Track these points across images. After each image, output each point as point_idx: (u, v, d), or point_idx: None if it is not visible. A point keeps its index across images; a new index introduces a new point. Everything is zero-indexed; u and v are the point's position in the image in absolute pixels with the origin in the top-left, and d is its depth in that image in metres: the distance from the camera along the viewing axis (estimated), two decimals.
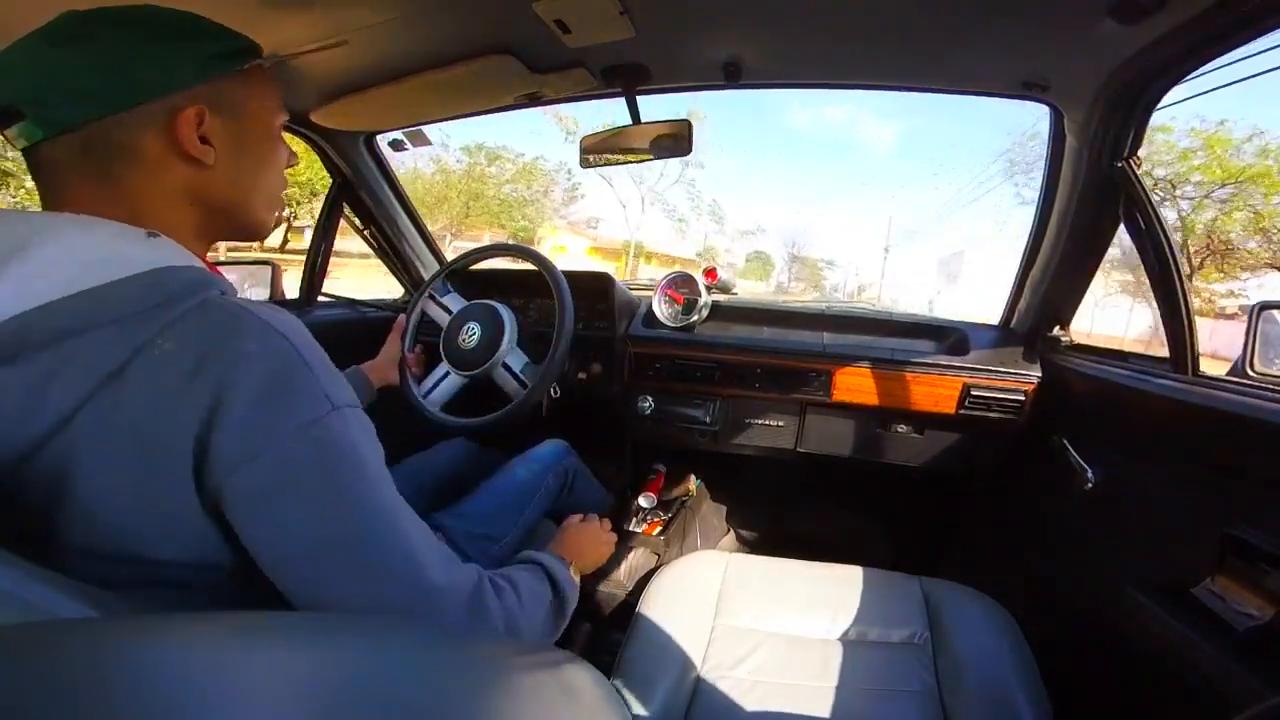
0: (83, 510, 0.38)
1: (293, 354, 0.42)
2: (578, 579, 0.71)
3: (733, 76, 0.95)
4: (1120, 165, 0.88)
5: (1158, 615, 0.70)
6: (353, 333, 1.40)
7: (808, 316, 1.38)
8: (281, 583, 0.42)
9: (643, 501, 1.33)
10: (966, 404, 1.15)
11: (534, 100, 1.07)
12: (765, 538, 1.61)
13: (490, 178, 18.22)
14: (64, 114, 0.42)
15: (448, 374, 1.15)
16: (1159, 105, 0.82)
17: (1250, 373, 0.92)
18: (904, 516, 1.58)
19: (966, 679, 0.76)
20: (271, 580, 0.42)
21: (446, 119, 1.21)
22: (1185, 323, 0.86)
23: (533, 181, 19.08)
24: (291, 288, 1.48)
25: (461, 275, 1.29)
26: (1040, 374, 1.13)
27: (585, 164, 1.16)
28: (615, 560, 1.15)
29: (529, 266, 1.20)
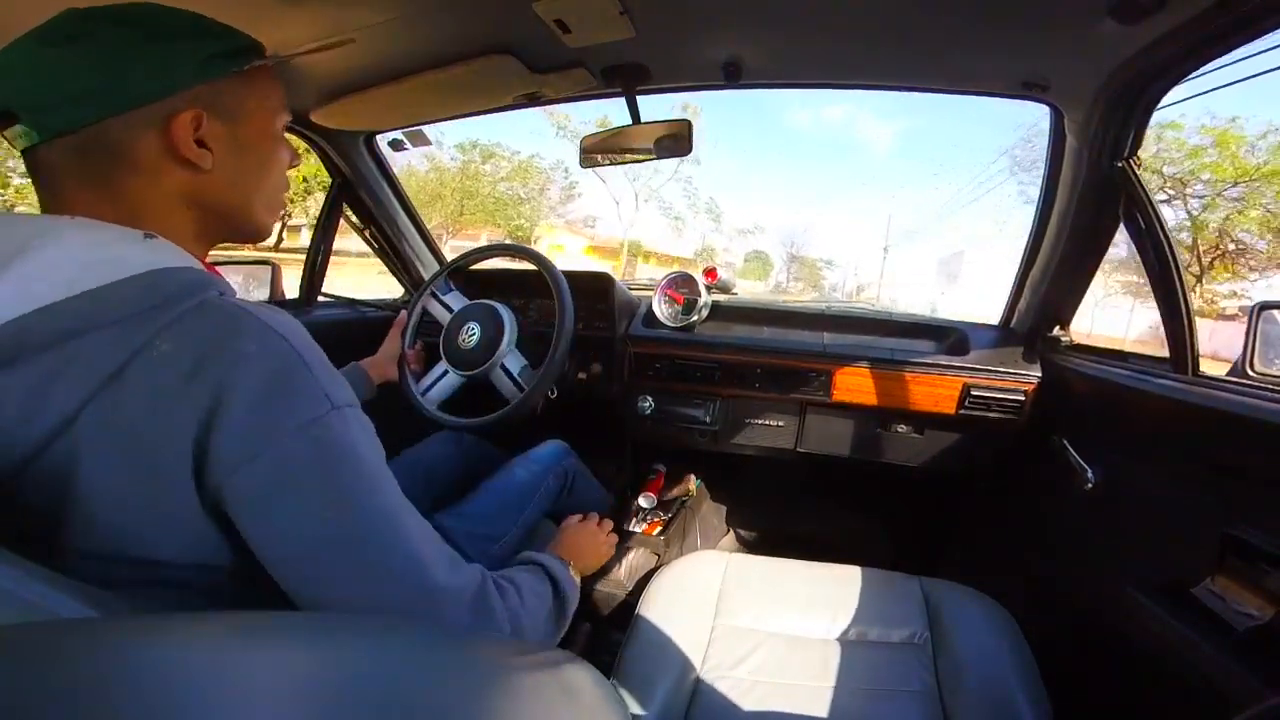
0: (84, 511, 0.38)
1: (292, 354, 0.42)
2: (578, 579, 0.71)
3: (733, 76, 0.95)
4: (1120, 165, 0.88)
5: (1158, 615, 0.70)
6: (352, 332, 1.40)
7: (808, 316, 1.38)
8: (284, 583, 0.42)
9: (643, 501, 1.33)
10: (966, 404, 1.15)
11: (534, 100, 1.07)
12: (765, 538, 1.61)
13: (485, 175, 18.03)
14: (59, 118, 0.41)
15: (446, 372, 1.15)
16: (1159, 105, 0.82)
17: (1250, 373, 0.92)
18: (904, 516, 1.58)
19: (966, 679, 0.76)
20: (276, 580, 0.42)
21: (446, 119, 1.21)
22: (1185, 323, 0.86)
23: (528, 179, 18.90)
24: (289, 288, 1.48)
25: (463, 274, 1.29)
26: (1040, 374, 1.13)
27: (585, 164, 1.16)
28: (615, 560, 1.15)
29: (529, 266, 1.20)
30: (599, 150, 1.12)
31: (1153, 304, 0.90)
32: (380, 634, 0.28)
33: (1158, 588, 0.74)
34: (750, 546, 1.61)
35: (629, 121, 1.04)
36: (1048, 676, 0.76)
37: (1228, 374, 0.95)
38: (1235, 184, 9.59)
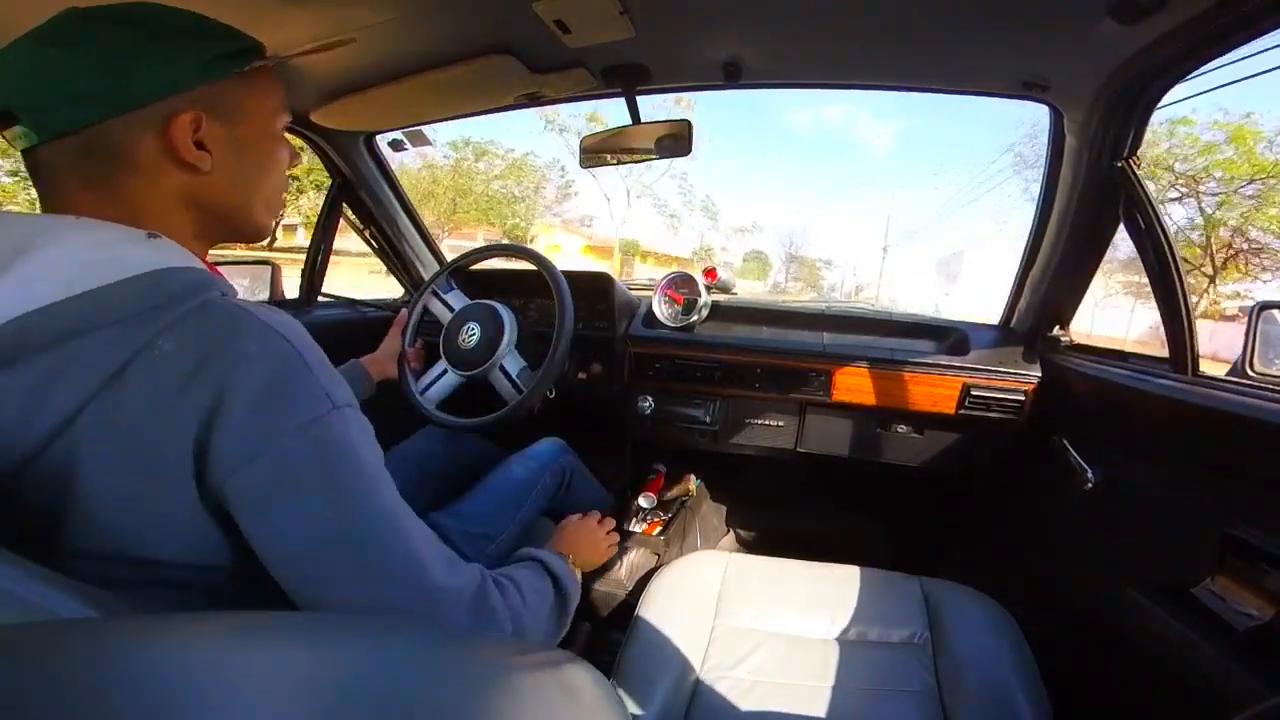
0: (84, 511, 0.38)
1: (293, 354, 0.42)
2: (579, 575, 0.71)
3: (733, 76, 0.95)
4: (1120, 165, 0.88)
5: (1158, 615, 0.70)
6: (352, 332, 1.40)
7: (808, 316, 1.38)
8: (285, 583, 0.42)
9: (643, 501, 1.33)
10: (966, 404, 1.15)
11: (534, 100, 1.07)
12: (765, 538, 1.61)
13: (478, 174, 17.84)
14: (59, 119, 0.41)
15: (445, 372, 1.15)
16: (1159, 105, 0.82)
17: (1250, 373, 0.92)
18: (904, 516, 1.58)
19: (966, 679, 0.76)
20: (276, 580, 0.42)
21: (446, 119, 1.21)
22: (1185, 323, 0.86)
23: (523, 178, 18.74)
24: (286, 287, 1.48)
25: (464, 273, 1.29)
26: (1040, 374, 1.13)
27: (585, 164, 1.16)
28: (615, 560, 1.15)
29: (529, 266, 1.20)
30: (599, 150, 1.12)
31: (1153, 304, 0.90)
32: (380, 634, 0.28)
33: (1158, 588, 0.74)
34: (750, 546, 1.61)
35: (625, 118, 1.04)
36: (1048, 676, 0.76)
37: (1228, 374, 0.95)
38: (1251, 181, 9.31)
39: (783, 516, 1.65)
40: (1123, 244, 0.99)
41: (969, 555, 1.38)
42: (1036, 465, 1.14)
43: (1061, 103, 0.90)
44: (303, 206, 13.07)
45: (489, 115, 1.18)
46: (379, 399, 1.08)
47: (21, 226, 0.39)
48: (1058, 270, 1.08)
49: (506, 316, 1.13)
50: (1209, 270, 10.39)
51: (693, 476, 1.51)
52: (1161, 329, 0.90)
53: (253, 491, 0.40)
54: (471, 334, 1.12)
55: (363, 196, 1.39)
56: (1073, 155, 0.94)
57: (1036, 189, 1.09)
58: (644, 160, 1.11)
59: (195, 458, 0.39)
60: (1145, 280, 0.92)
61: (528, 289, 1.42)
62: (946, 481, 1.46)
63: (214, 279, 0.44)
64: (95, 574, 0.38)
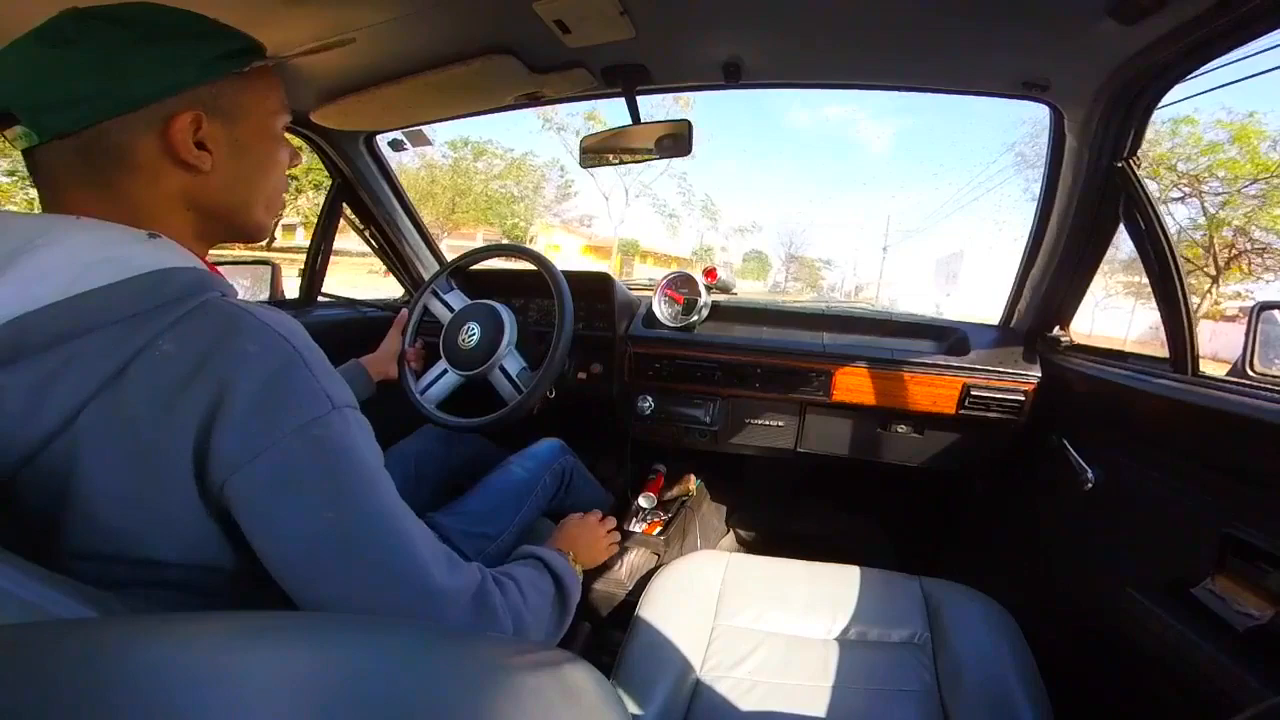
0: (83, 511, 0.38)
1: (292, 354, 0.42)
2: (580, 572, 0.70)
3: (733, 76, 0.95)
4: (1120, 165, 0.88)
5: (1158, 615, 0.70)
6: (352, 332, 1.40)
7: (808, 317, 1.38)
8: (285, 583, 0.42)
9: (643, 501, 1.33)
10: (966, 404, 1.15)
11: (534, 100, 1.07)
12: (765, 538, 1.61)
13: (477, 173, 17.72)
14: (59, 119, 0.41)
15: (445, 372, 1.15)
16: (1159, 105, 0.82)
17: (1250, 373, 0.92)
18: (904, 517, 1.58)
19: (966, 679, 0.76)
20: (278, 581, 0.42)
21: (446, 119, 1.21)
22: (1185, 323, 0.86)
23: (522, 177, 18.62)
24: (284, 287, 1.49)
25: (464, 273, 1.29)
26: (1040, 374, 1.13)
27: (586, 164, 1.16)
28: (615, 560, 1.15)
29: (529, 266, 1.20)
30: (599, 150, 1.12)
31: (1153, 305, 0.90)
32: (380, 634, 0.28)
33: (1158, 588, 0.74)
34: (750, 546, 1.61)
35: (624, 117, 1.04)
36: (1048, 676, 0.76)
37: (1228, 374, 0.95)
38: (1255, 180, 9.14)
39: (783, 516, 1.65)
40: (1123, 244, 0.99)
41: (969, 555, 1.38)
42: (1036, 465, 1.14)
43: (1061, 103, 0.90)
44: (301, 206, 13.02)
45: (487, 115, 1.18)
46: (378, 399, 1.08)
47: (22, 226, 0.39)
48: (1058, 270, 1.08)
49: (506, 316, 1.13)
50: (1212, 270, 10.21)
51: (693, 476, 1.51)
52: (1161, 330, 0.90)
53: (253, 492, 0.40)
54: (471, 334, 1.12)
55: (362, 196, 1.39)
56: (1073, 155, 0.94)
57: (1037, 188, 1.09)
58: (644, 160, 1.11)
59: (195, 457, 0.39)
60: (1144, 280, 0.91)
61: (528, 289, 1.42)
62: (946, 481, 1.46)
63: (214, 279, 0.44)
64: (95, 574, 0.38)
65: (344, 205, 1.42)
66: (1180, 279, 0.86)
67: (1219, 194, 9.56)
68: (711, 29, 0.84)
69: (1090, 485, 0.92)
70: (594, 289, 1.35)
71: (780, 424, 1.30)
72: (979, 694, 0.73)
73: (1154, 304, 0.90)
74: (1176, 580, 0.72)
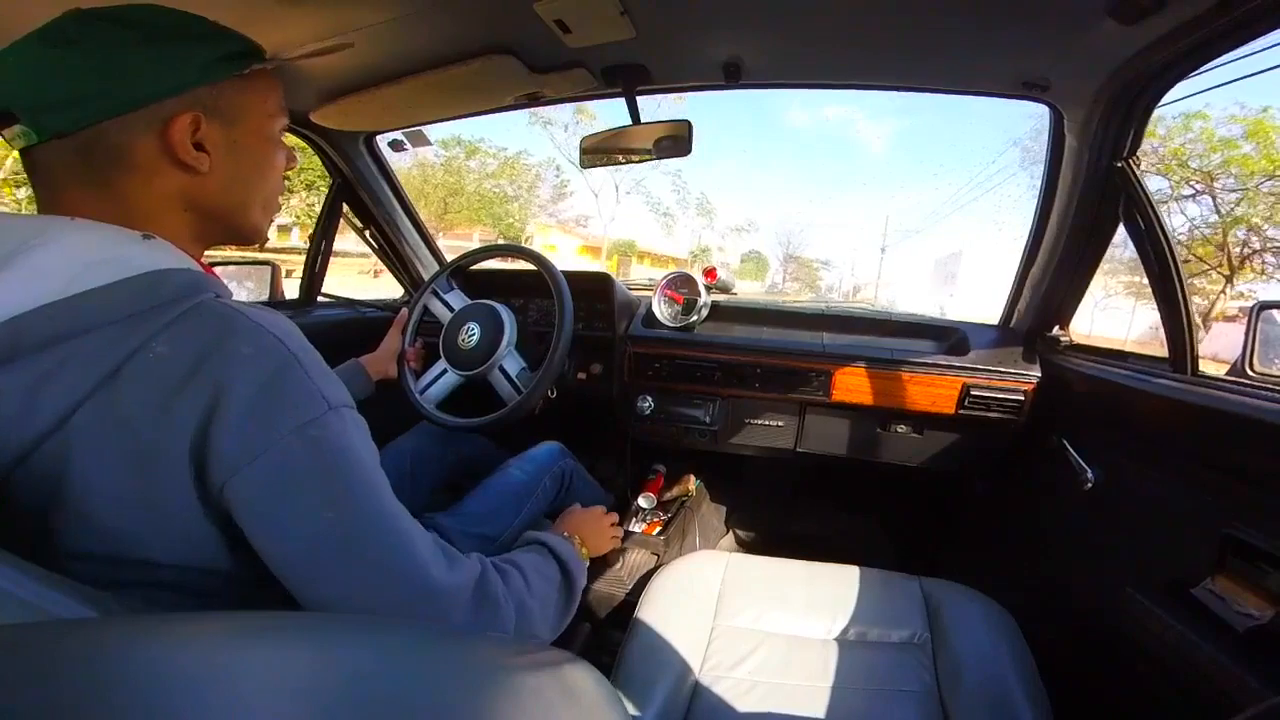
0: (78, 511, 0.38)
1: (287, 355, 0.42)
2: (586, 556, 0.70)
3: (733, 76, 0.95)
4: (1120, 165, 0.88)
5: (1158, 615, 0.70)
6: (352, 333, 1.40)
7: (808, 317, 1.38)
8: (287, 583, 0.42)
9: (642, 501, 1.33)
10: (966, 404, 1.15)
11: (534, 100, 1.07)
12: (765, 538, 1.61)
13: (470, 172, 17.47)
14: (59, 119, 0.41)
15: (445, 372, 1.15)
16: (1160, 103, 0.82)
17: (1250, 373, 0.92)
18: (904, 517, 1.58)
19: (966, 679, 0.75)
20: (280, 581, 0.42)
21: (447, 119, 1.21)
22: (1185, 323, 0.86)
23: (516, 176, 18.37)
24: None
25: (464, 273, 1.29)
26: (1040, 374, 1.13)
27: (586, 164, 1.16)
28: (615, 560, 1.15)
29: (529, 266, 1.20)
30: (599, 150, 1.12)
31: (1153, 305, 0.90)
32: (380, 634, 0.28)
33: (1158, 588, 0.74)
34: (750, 546, 1.61)
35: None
36: (1048, 676, 0.76)
37: (1227, 374, 0.95)
38: (1271, 177, 8.81)
39: (783, 516, 1.65)
40: (1124, 245, 0.99)
41: (969, 555, 1.38)
42: (1036, 465, 1.14)
43: (1062, 103, 0.90)
44: (294, 206, 12.96)
45: (485, 116, 1.18)
46: (378, 398, 1.08)
47: (18, 227, 0.39)
48: (1058, 270, 1.08)
49: (506, 317, 1.13)
50: (1225, 270, 9.79)
51: (692, 476, 1.51)
52: (1161, 330, 0.90)
53: (252, 493, 0.40)
54: (471, 334, 1.12)
55: (362, 196, 1.39)
56: (1073, 155, 0.95)
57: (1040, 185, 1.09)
58: (643, 160, 1.11)
59: (194, 459, 0.39)
60: (1143, 280, 0.91)
61: (527, 289, 1.42)
62: (946, 481, 1.46)
63: (209, 280, 0.44)
64: (93, 575, 0.38)
65: (344, 205, 1.42)
66: (1180, 279, 0.86)
67: (1232, 191, 9.23)
68: (711, 29, 0.84)
69: (1090, 485, 0.92)
70: (594, 289, 1.35)
71: (780, 424, 1.30)
72: (979, 694, 0.73)
73: (1154, 304, 0.90)
74: (1176, 580, 0.72)
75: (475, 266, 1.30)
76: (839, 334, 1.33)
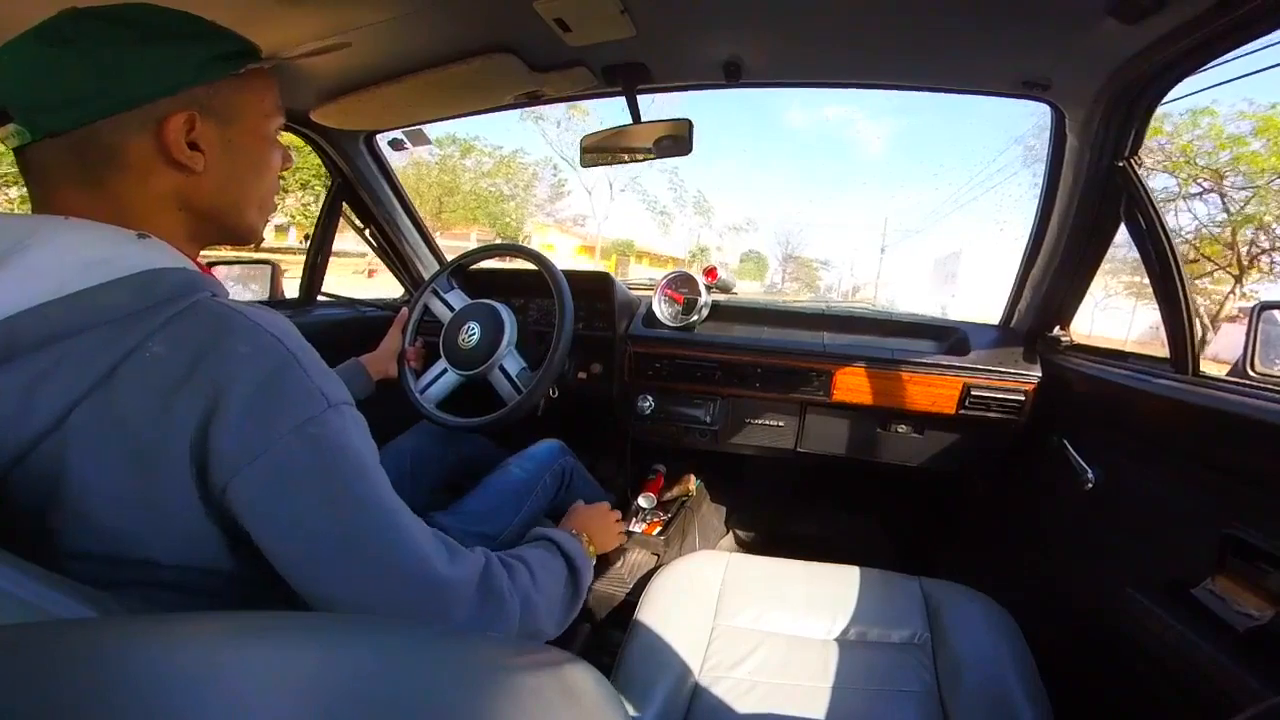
0: (76, 511, 0.38)
1: (285, 354, 0.42)
2: (593, 554, 0.70)
3: (733, 76, 0.95)
4: (1121, 165, 0.88)
5: (1158, 615, 0.70)
6: (352, 332, 1.40)
7: (808, 316, 1.38)
8: (292, 581, 0.42)
9: (643, 501, 1.33)
10: (966, 404, 1.15)
11: (534, 99, 1.07)
12: (765, 538, 1.61)
13: (465, 171, 17.34)
14: (53, 118, 0.41)
15: (445, 371, 1.15)
16: (1162, 102, 0.82)
17: (1250, 373, 0.92)
18: (904, 516, 1.58)
19: (966, 679, 0.75)
20: (285, 579, 0.42)
21: (447, 118, 1.21)
22: (1185, 323, 0.86)
23: (512, 175, 18.25)
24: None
25: (464, 273, 1.29)
26: (1040, 374, 1.13)
27: (586, 163, 1.16)
28: (615, 560, 1.15)
29: (529, 266, 1.20)
30: (599, 149, 1.12)
31: (1154, 305, 0.90)
32: (380, 634, 0.28)
33: (1158, 588, 0.74)
34: (750, 546, 1.61)
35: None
36: (1048, 676, 0.76)
37: (1228, 374, 0.95)
38: None
39: (783, 516, 1.65)
40: (1126, 245, 0.99)
41: (969, 555, 1.38)
42: (1036, 465, 1.14)
43: (1063, 102, 0.89)
44: (288, 206, 12.91)
45: (485, 114, 1.18)
46: (377, 398, 1.08)
47: (12, 227, 0.39)
48: (1058, 270, 1.08)
49: (506, 316, 1.13)
50: (1235, 269, 9.47)
51: (693, 476, 1.51)
52: (1162, 330, 0.90)
53: (253, 493, 0.40)
54: (471, 334, 1.12)
55: (362, 196, 1.39)
56: (1074, 155, 0.94)
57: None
58: (644, 160, 1.11)
59: (194, 459, 0.39)
60: (1143, 279, 0.91)
61: (528, 289, 1.42)
62: (946, 481, 1.46)
63: (204, 279, 0.44)
64: (94, 575, 0.38)
65: (344, 204, 1.42)
66: (1181, 279, 0.86)
67: (1242, 189, 8.96)
68: (712, 28, 0.84)
69: (1090, 485, 0.92)
70: (594, 289, 1.35)
71: (780, 424, 1.30)
72: (979, 694, 0.73)
73: (1154, 304, 0.90)
74: (1176, 580, 0.72)
75: (475, 266, 1.30)
76: (839, 334, 1.33)
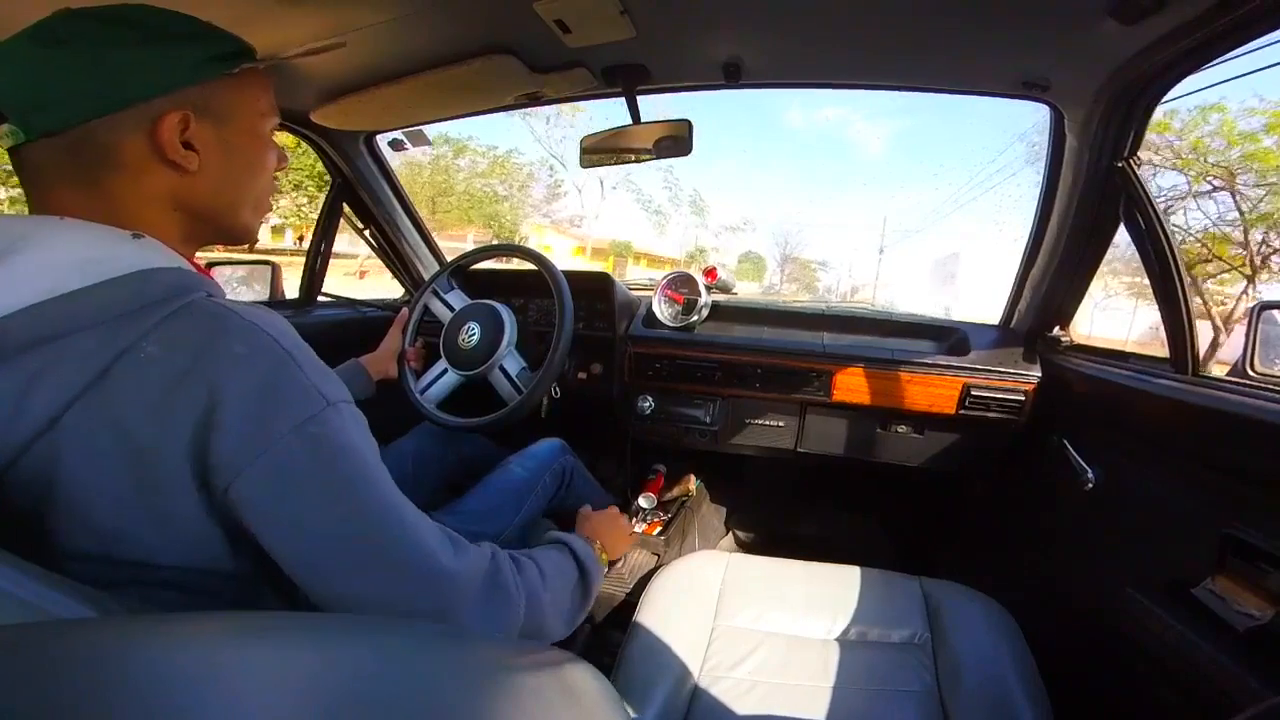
0: (76, 512, 0.38)
1: (282, 354, 0.42)
2: (605, 562, 0.71)
3: (733, 76, 0.95)
4: (1121, 165, 0.88)
5: (1158, 615, 0.70)
6: (352, 332, 1.40)
7: (808, 317, 1.38)
8: (299, 580, 0.42)
9: (643, 501, 1.33)
10: (966, 404, 1.15)
11: (534, 100, 1.07)
12: (765, 538, 1.61)
13: (459, 171, 17.12)
14: (48, 118, 0.41)
15: (445, 371, 1.15)
16: (1161, 102, 0.82)
17: (1250, 373, 0.92)
18: (904, 516, 1.58)
19: (966, 679, 0.75)
20: (291, 579, 0.42)
21: (447, 119, 1.21)
22: (1185, 323, 0.86)
23: (507, 175, 18.03)
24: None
25: (464, 273, 1.29)
26: (1040, 374, 1.13)
27: (586, 164, 1.16)
28: (615, 560, 1.15)
29: (529, 266, 1.20)
30: (599, 150, 1.12)
31: (1154, 305, 0.90)
32: (381, 634, 0.28)
33: (1158, 588, 0.74)
34: (750, 546, 1.61)
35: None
36: (1048, 676, 0.76)
37: (1228, 374, 0.95)
38: None
39: (783, 516, 1.65)
40: (1126, 245, 0.99)
41: (969, 555, 1.38)
42: (1036, 465, 1.14)
43: (1062, 103, 0.89)
44: (283, 207, 12.82)
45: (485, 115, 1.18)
46: (378, 398, 1.09)
47: (6, 227, 0.39)
48: (1058, 270, 1.08)
49: (506, 316, 1.13)
50: (1248, 270, 9.04)
51: (693, 476, 1.51)
52: (1162, 330, 0.90)
53: (256, 494, 0.40)
54: (471, 334, 1.12)
55: (362, 196, 1.39)
56: (1073, 155, 0.94)
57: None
58: (643, 160, 1.11)
59: (194, 461, 0.39)
60: (1143, 280, 0.91)
61: (528, 289, 1.42)
62: (947, 481, 1.46)
63: (200, 279, 0.44)
64: (93, 575, 0.38)
65: (344, 205, 1.42)
66: (1181, 279, 0.86)
67: (1255, 187, 8.61)
68: (712, 29, 0.84)
69: (1090, 485, 0.92)
70: (594, 289, 1.35)
71: (780, 424, 1.30)
72: (979, 694, 0.73)
73: (1154, 304, 0.90)
74: (1176, 580, 0.72)
75: (475, 266, 1.30)
76: (839, 334, 1.33)
